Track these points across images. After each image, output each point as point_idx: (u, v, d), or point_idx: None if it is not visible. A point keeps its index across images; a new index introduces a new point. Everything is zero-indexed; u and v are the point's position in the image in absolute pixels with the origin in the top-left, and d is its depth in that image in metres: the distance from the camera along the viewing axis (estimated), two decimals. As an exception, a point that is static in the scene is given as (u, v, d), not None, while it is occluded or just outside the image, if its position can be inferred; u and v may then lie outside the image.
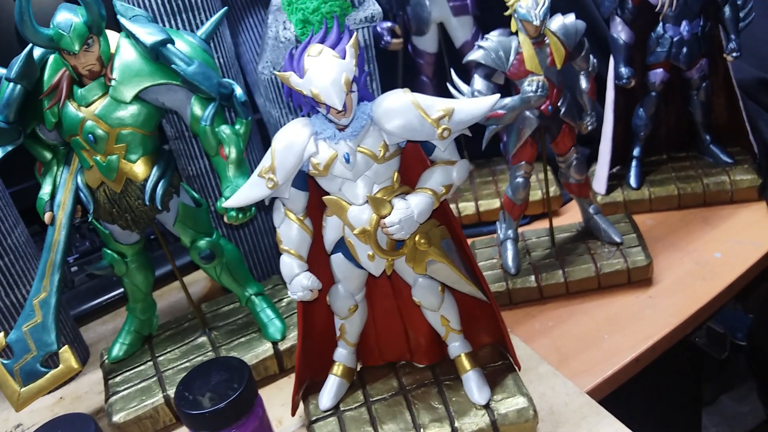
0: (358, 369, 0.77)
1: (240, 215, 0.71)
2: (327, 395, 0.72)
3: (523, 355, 0.80)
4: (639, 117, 0.99)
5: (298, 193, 0.62)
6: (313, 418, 0.72)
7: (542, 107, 0.80)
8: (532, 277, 0.88)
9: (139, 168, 0.73)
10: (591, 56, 0.84)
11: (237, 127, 0.72)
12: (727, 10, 0.90)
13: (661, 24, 0.91)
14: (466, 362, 0.70)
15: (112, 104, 0.70)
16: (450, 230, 0.64)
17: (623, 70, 0.92)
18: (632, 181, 1.01)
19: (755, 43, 1.03)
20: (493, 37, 0.79)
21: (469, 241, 0.99)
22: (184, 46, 0.70)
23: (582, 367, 0.79)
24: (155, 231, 0.81)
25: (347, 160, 0.58)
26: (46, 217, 0.76)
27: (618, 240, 0.90)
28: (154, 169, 0.73)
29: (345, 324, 0.70)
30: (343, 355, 0.73)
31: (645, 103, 0.97)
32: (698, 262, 0.90)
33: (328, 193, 0.61)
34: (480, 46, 0.78)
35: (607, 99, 0.97)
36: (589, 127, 0.86)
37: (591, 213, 0.92)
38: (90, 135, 0.70)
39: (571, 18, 0.80)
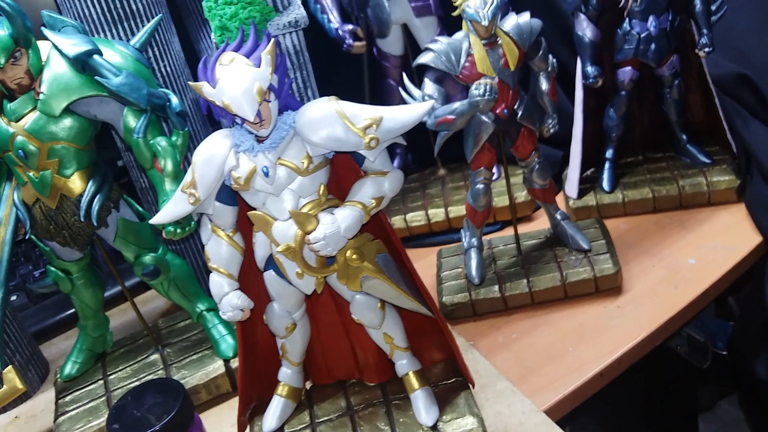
0: (309, 387, 0.74)
1: (178, 230, 0.68)
2: (271, 417, 0.70)
3: (482, 371, 0.77)
4: (610, 117, 0.95)
5: (225, 208, 0.59)
6: (255, 442, 0.69)
7: (497, 111, 0.77)
8: (496, 287, 0.85)
9: (73, 183, 0.71)
10: (550, 56, 0.80)
11: (174, 138, 0.69)
12: (698, 3, 0.86)
13: (627, 20, 0.87)
14: (414, 381, 0.67)
15: (42, 118, 0.68)
16: (387, 244, 0.61)
17: (589, 69, 0.88)
18: (605, 184, 0.97)
19: (733, 37, 0.98)
20: (443, 39, 0.75)
21: (437, 249, 0.97)
22: (114, 56, 0.67)
23: (543, 382, 0.75)
24: (100, 248, 0.79)
25: (266, 174, 0.55)
26: None
27: (586, 247, 0.86)
28: (90, 183, 0.71)
29: (285, 343, 0.67)
30: (287, 375, 0.70)
31: (615, 103, 0.93)
32: (671, 268, 0.86)
33: (255, 208, 0.58)
34: (429, 49, 0.75)
35: (576, 99, 0.93)
36: (551, 130, 0.82)
37: (558, 219, 0.88)
38: (20, 150, 0.68)
39: (525, 17, 0.76)
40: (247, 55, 0.52)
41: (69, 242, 0.73)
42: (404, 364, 0.68)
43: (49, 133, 0.68)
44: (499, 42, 0.74)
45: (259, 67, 0.52)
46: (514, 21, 0.76)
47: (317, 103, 0.55)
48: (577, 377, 0.75)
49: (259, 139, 0.55)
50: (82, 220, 0.71)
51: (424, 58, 0.75)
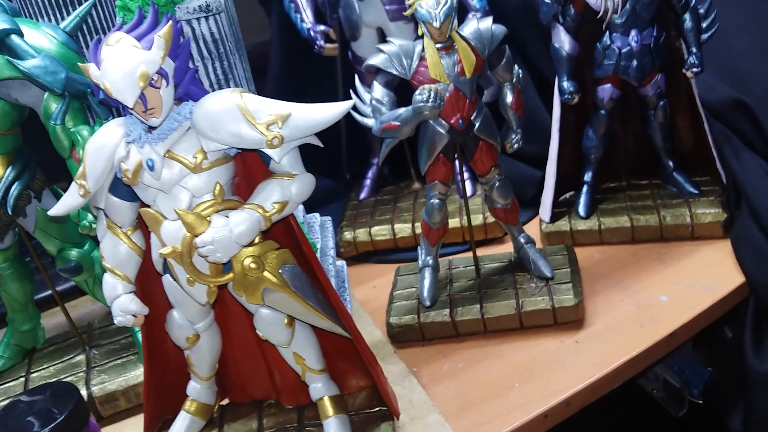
0: (225, 403, 0.69)
1: (93, 225, 0.64)
2: (175, 433, 0.64)
3: (416, 401, 0.71)
4: (588, 138, 0.88)
5: (122, 203, 0.54)
6: (156, 459, 0.64)
7: (452, 121, 0.71)
8: (447, 311, 0.79)
9: (-10, 168, 0.67)
10: (516, 67, 0.74)
11: (96, 128, 0.65)
12: (687, 18, 0.79)
13: (607, 33, 0.80)
14: (328, 407, 0.62)
15: (-41, 100, 0.64)
16: (297, 254, 0.56)
17: (565, 84, 0.82)
18: (581, 209, 0.90)
19: (731, 60, 0.91)
20: (396, 41, 0.70)
21: (396, 266, 0.91)
22: (38, 38, 0.64)
23: (481, 418, 0.69)
24: (25, 240, 0.75)
25: (151, 168, 0.50)
26: None
27: (548, 274, 0.79)
28: (9, 170, 0.67)
29: (191, 355, 0.62)
30: (195, 390, 0.65)
31: (594, 123, 0.86)
32: (640, 305, 0.79)
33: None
34: (380, 50, 0.70)
35: (553, 116, 0.87)
36: (515, 146, 0.76)
37: (521, 242, 0.82)
38: (-67, 133, 0.65)
39: (486, 22, 0.71)
40: (139, 38, 0.48)
41: (-14, 230, 0.70)
42: (319, 388, 0.62)
43: (-35, 115, 0.65)
44: (456, 47, 0.69)
45: (148, 49, 0.47)
46: (474, 26, 0.70)
47: (218, 95, 0.51)
48: (519, 416, 0.68)
49: (151, 130, 0.50)
50: (-2, 207, 0.67)
51: (374, 60, 0.70)
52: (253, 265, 0.52)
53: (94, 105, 0.64)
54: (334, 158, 1.13)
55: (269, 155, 0.51)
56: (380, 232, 0.98)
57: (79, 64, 0.50)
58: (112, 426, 0.76)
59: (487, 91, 1.00)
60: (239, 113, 0.49)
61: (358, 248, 0.99)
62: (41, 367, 0.80)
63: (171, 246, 0.51)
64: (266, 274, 0.53)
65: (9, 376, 0.79)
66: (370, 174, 1.09)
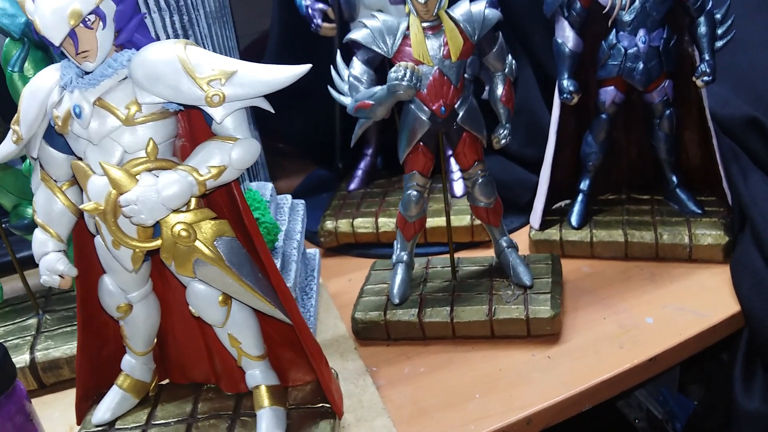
0: (165, 383, 0.65)
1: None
2: (104, 408, 0.61)
3: (366, 402, 0.66)
4: (587, 144, 0.83)
5: (58, 155, 0.51)
6: (81, 431, 0.61)
7: (434, 107, 0.67)
8: (415, 311, 0.74)
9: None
10: (509, 57, 0.70)
11: None
12: (701, 23, 0.73)
13: (614, 32, 0.75)
14: (264, 396, 0.57)
15: None
16: (239, 228, 0.52)
17: (565, 82, 0.77)
18: (573, 219, 0.84)
19: (752, 76, 0.85)
20: (381, 16, 0.66)
21: (374, 261, 0.87)
22: (1, -20, 0.61)
23: (433, 428, 0.64)
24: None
25: (78, 115, 0.46)
26: None
27: (527, 282, 0.74)
28: (-35, 117, 0.65)
29: (124, 326, 0.58)
30: (130, 364, 0.61)
31: (594, 127, 0.81)
32: (623, 325, 0.73)
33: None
34: (363, 24, 0.66)
35: (552, 117, 0.82)
36: (502, 142, 0.71)
37: (503, 245, 0.77)
38: None
39: (479, 5, 0.66)
40: (79, -25, 0.44)
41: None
42: (255, 375, 0.58)
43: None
44: (443, 28, 0.64)
45: (87, -12, 0.44)
46: (465, 7, 0.66)
47: (160, 44, 0.47)
48: (473, 430, 0.63)
49: (85, 75, 0.47)
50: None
51: (355, 35, 0.66)
52: (183, 233, 0.48)
53: (55, 55, 0.61)
54: (330, 147, 1.09)
55: (210, 114, 0.47)
56: (363, 224, 0.93)
57: (17, -1, 0.47)
58: (55, 395, 0.73)
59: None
60: (179, 65, 0.45)
61: (339, 239, 0.94)
62: (-9, 327, 0.77)
63: (95, 202, 0.47)
64: (198, 244, 0.49)
65: (-42, 334, 0.77)
66: (362, 165, 1.04)
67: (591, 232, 0.84)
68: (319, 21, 0.91)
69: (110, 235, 0.48)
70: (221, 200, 0.52)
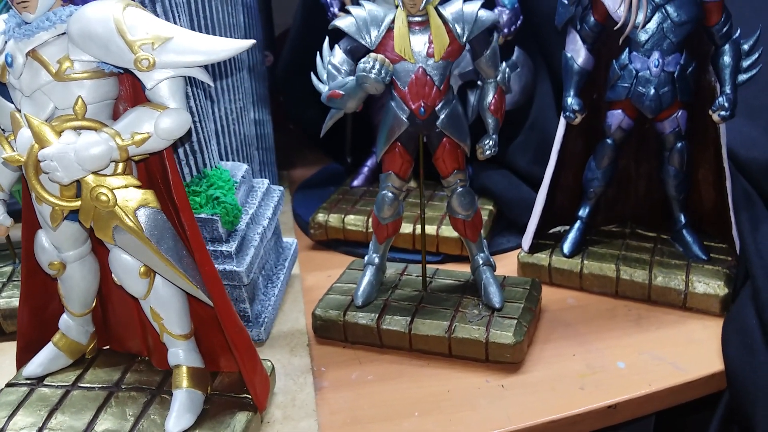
0: (106, 348, 0.65)
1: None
2: (36, 363, 0.61)
3: (299, 402, 0.64)
4: (590, 169, 0.77)
5: (6, 104, 0.51)
6: (10, 381, 0.61)
7: (413, 107, 0.63)
8: (375, 316, 0.71)
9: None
10: (504, 64, 0.66)
11: None
12: (725, 53, 0.67)
13: (627, 51, 0.70)
14: (182, 377, 0.56)
15: None
16: (164, 202, 0.50)
17: (569, 100, 0.72)
18: (565, 246, 0.79)
19: (786, 118, 0.78)
20: (368, 5, 0.63)
21: (352, 261, 0.84)
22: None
23: (361, 440, 0.61)
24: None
25: (9, 64, 0.46)
26: None
27: (496, 304, 0.70)
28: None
29: (60, 285, 0.58)
30: (66, 324, 0.61)
31: (597, 152, 0.76)
32: (591, 365, 0.68)
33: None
34: (349, 13, 0.63)
35: (557, 135, 0.77)
36: (487, 153, 0.67)
37: (478, 262, 0.73)
38: None
39: (473, 5, 0.62)
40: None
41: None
42: (177, 354, 0.56)
43: None
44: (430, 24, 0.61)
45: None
46: (457, 6, 0.62)
47: (101, 3, 0.46)
48: (399, 449, 0.60)
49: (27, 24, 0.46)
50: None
51: (340, 22, 0.64)
52: (102, 197, 0.47)
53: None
54: (341, 142, 1.08)
55: (140, 79, 0.46)
56: (354, 221, 0.91)
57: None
58: (12, 343, 0.74)
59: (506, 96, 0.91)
60: (113, 25, 0.44)
61: (329, 233, 0.92)
62: (-32, 269, 0.79)
63: (17, 153, 0.47)
64: (118, 210, 0.48)
65: (-63, 270, 0.79)
66: (369, 163, 1.02)
67: (582, 262, 0.78)
68: (336, 9, 0.89)
69: (31, 190, 0.48)
70: (155, 169, 0.51)
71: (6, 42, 0.47)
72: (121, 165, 0.48)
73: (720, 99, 0.67)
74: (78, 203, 0.48)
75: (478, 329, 0.68)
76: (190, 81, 0.63)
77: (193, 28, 0.72)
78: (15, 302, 0.73)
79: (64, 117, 0.47)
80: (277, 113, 1.05)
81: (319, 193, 1.03)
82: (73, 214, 0.50)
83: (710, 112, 0.68)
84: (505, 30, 0.85)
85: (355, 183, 1.01)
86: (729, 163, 0.73)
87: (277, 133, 1.04)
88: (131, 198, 0.48)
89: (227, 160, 0.83)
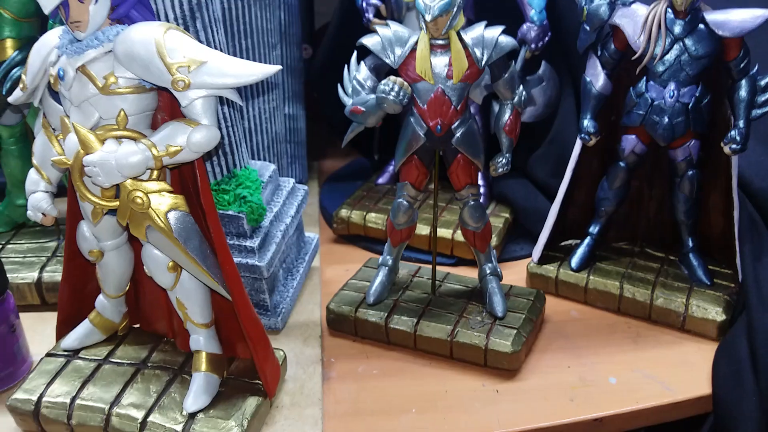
0: (136, 327, 0.71)
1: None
2: (73, 337, 0.68)
3: (306, 390, 0.69)
4: (602, 188, 0.80)
5: (56, 106, 0.57)
6: (50, 351, 0.68)
7: (431, 124, 0.67)
8: (384, 315, 0.76)
9: (2, 48, 0.72)
10: (521, 88, 0.69)
11: None
12: (741, 87, 0.69)
13: (644, 80, 0.72)
14: (201, 361, 0.62)
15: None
16: (193, 206, 0.56)
17: (586, 122, 0.75)
18: (573, 260, 0.82)
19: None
20: (393, 26, 0.67)
21: (369, 257, 0.89)
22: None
23: (355, 430, 0.66)
24: (27, 125, 0.81)
25: (61, 77, 0.51)
26: None
27: (498, 313, 0.74)
28: (16, 53, 0.72)
29: (98, 269, 0.64)
30: (102, 304, 0.67)
31: (610, 173, 0.78)
32: (584, 378, 0.71)
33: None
34: (376, 32, 0.67)
35: (573, 153, 0.80)
36: (499, 170, 0.71)
37: (485, 272, 0.77)
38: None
39: (494, 31, 0.65)
40: (84, -48, 0.49)
41: (-12, 103, 0.76)
42: (198, 341, 0.62)
43: (-16, -6, 0.70)
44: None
45: (85, -34, 0.48)
46: (479, 32, 0.66)
47: (145, 25, 0.51)
48: (395, 442, 0.65)
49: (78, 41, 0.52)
50: (-4, 84, 0.72)
51: (366, 41, 0.67)
52: (138, 200, 0.53)
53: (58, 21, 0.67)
54: (371, 139, 1.12)
55: (176, 97, 0.51)
56: (375, 219, 0.96)
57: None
58: (53, 314, 0.80)
59: (531, 108, 0.93)
60: (153, 47, 0.49)
61: (350, 228, 0.97)
62: (18, 242, 0.86)
63: (64, 157, 0.53)
64: (151, 212, 0.53)
65: (-8, 240, 0.87)
66: (390, 166, 1.06)
67: (588, 277, 0.81)
68: (371, 16, 0.92)
69: (76, 189, 0.54)
70: (187, 175, 0.56)
71: (59, 56, 0.53)
72: (156, 172, 0.53)
73: (732, 132, 0.69)
74: (116, 203, 0.54)
75: (479, 336, 0.72)
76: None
77: (231, 35, 0.77)
78: (57, 276, 0.80)
79: (108, 126, 0.52)
80: (310, 105, 1.09)
81: (345, 187, 1.07)
82: (112, 211, 0.56)
83: (722, 144, 0.70)
84: (533, 45, 0.87)
85: (380, 180, 1.05)
86: (739, 192, 0.75)
87: (310, 121, 1.08)
88: (163, 202, 0.54)
89: (258, 156, 0.88)
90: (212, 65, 0.49)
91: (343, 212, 0.97)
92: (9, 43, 0.73)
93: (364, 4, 0.93)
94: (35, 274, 0.80)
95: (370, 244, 0.96)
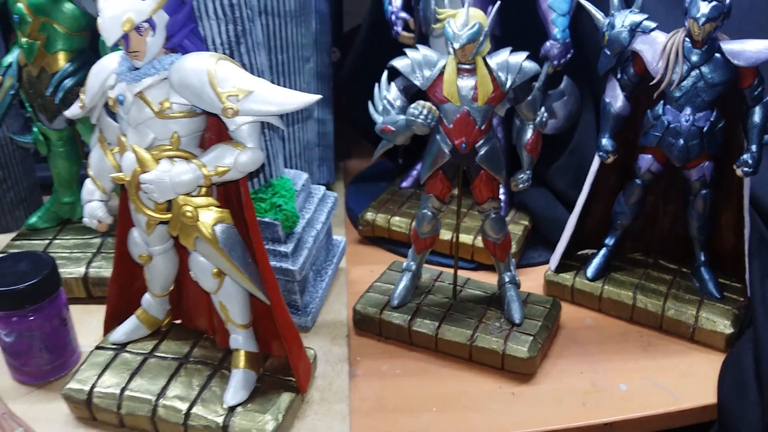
0: (178, 322, 0.77)
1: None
2: (121, 331, 0.73)
3: (335, 387, 0.74)
4: (619, 203, 0.84)
5: (112, 123, 0.62)
6: (98, 345, 0.73)
7: (456, 142, 0.71)
8: (407, 317, 0.80)
9: (55, 60, 0.77)
10: (542, 109, 0.72)
11: None
12: (755, 112, 0.72)
13: (661, 103, 0.75)
14: (240, 359, 0.67)
15: (47, -4, 0.75)
16: (237, 219, 0.60)
17: (604, 141, 0.78)
18: (589, 270, 0.86)
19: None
20: (423, 50, 0.71)
21: (393, 259, 0.93)
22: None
23: (382, 427, 0.71)
24: (75, 130, 0.86)
25: (120, 102, 0.56)
26: None
27: (516, 320, 0.78)
28: (69, 65, 0.77)
29: (146, 271, 0.69)
30: (147, 301, 0.72)
31: (627, 190, 0.82)
32: (596, 384, 0.76)
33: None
34: (406, 54, 0.71)
35: (591, 168, 0.83)
36: (520, 186, 0.75)
37: (505, 280, 0.81)
38: (17, 16, 0.76)
39: (518, 57, 0.69)
40: (142, -14, 0.54)
41: (41, 110, 0.81)
42: (238, 340, 0.67)
43: (45, 11, 0.75)
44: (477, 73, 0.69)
45: (144, 0, 0.53)
46: (504, 57, 0.69)
47: (198, 55, 0.56)
48: (415, 438, 0.70)
49: (134, 69, 0.56)
50: (48, 94, 0.77)
51: (397, 63, 0.71)
52: (188, 214, 0.58)
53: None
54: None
55: (225, 123, 0.56)
56: (399, 223, 1.00)
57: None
58: (99, 306, 0.85)
59: (552, 121, 0.97)
60: (206, 77, 0.54)
61: (375, 231, 1.02)
62: (65, 237, 0.92)
63: (122, 174, 0.58)
64: (199, 225, 0.58)
65: (38, 236, 0.92)
66: (417, 166, 1.10)
67: (603, 287, 0.85)
68: (399, 29, 0.96)
69: (131, 202, 0.59)
70: (233, 192, 0.61)
71: (117, 81, 0.58)
72: (204, 188, 0.58)
73: (745, 156, 0.72)
74: (168, 216, 0.59)
75: (497, 341, 0.76)
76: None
77: (267, 51, 0.81)
78: (103, 272, 0.85)
79: (162, 147, 0.57)
80: (338, 108, 1.13)
81: (370, 189, 1.11)
82: (164, 221, 0.61)
83: (734, 167, 0.73)
84: (555, 62, 0.90)
85: (404, 184, 1.09)
86: (751, 210, 0.78)
87: (337, 122, 1.12)
88: (210, 215, 0.59)
89: (290, 163, 0.92)
90: (258, 94, 0.54)
91: (369, 215, 1.02)
92: (61, 55, 0.78)
93: (393, 17, 0.97)
94: (82, 270, 0.85)
95: (394, 247, 1.01)
